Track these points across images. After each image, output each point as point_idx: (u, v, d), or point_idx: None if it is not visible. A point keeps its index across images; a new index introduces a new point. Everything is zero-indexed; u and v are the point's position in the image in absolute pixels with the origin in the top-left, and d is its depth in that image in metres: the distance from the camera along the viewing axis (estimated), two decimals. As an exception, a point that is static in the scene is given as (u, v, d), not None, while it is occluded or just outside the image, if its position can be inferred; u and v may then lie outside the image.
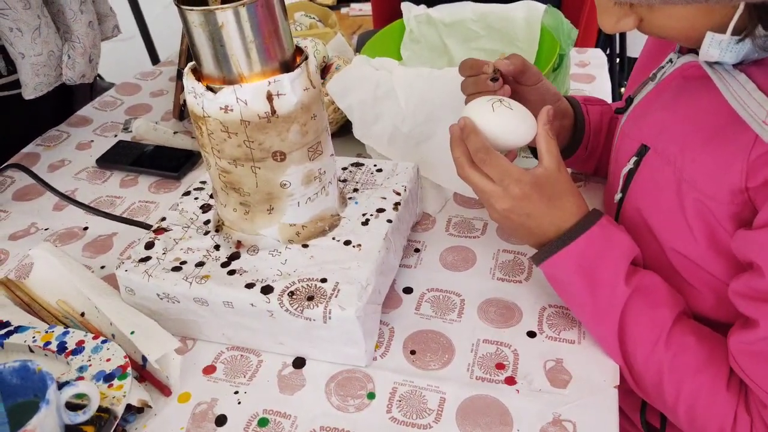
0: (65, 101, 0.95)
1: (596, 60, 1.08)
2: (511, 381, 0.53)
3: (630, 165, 0.56)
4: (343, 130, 0.87)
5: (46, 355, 0.53)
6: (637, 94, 0.59)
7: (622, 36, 1.53)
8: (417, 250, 0.68)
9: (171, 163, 0.85)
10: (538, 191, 0.53)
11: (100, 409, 0.47)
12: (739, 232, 0.47)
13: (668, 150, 0.52)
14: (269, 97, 0.50)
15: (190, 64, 0.54)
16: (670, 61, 0.54)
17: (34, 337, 0.54)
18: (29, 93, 0.87)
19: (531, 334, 0.57)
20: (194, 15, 0.47)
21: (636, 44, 1.55)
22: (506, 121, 0.54)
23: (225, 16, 0.47)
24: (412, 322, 0.60)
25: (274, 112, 0.51)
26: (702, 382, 0.49)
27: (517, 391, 0.52)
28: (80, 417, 0.46)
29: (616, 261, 0.53)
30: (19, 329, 0.55)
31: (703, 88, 0.49)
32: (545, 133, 0.54)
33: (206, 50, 0.49)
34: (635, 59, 1.55)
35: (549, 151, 0.54)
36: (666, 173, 0.52)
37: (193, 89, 0.51)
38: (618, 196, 0.58)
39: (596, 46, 1.27)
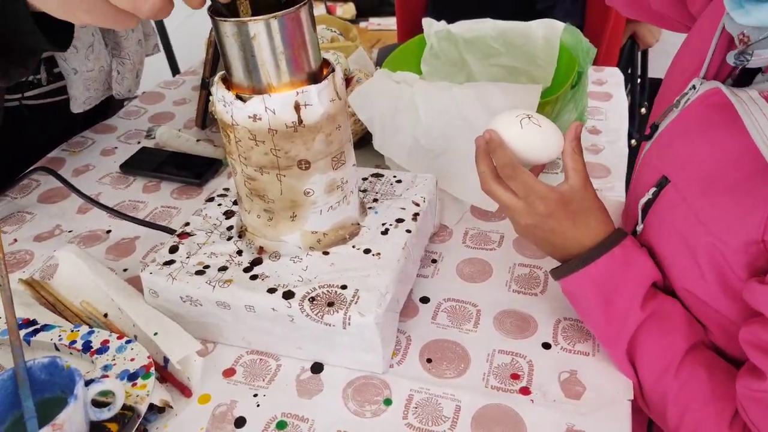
0: (96, 110, 0.98)
1: (613, 78, 1.09)
2: (525, 391, 0.54)
3: (648, 195, 0.55)
4: (362, 141, 0.88)
5: (71, 353, 0.55)
6: (661, 122, 0.58)
7: (644, 56, 1.53)
8: (434, 261, 0.69)
9: (193, 170, 0.87)
10: (563, 208, 0.53)
11: (124, 407, 0.48)
12: (751, 283, 0.46)
13: (688, 188, 0.51)
14: (297, 107, 0.52)
15: (220, 73, 0.55)
16: (693, 87, 0.53)
17: (60, 336, 0.55)
18: (78, 107, 0.90)
19: (546, 346, 0.58)
20: (227, 26, 0.49)
21: (658, 66, 1.55)
22: (534, 138, 0.54)
23: (257, 27, 0.48)
24: (429, 331, 0.60)
25: (301, 121, 0.52)
26: (705, 416, 0.49)
27: (532, 401, 0.53)
28: (105, 414, 0.47)
29: (634, 285, 0.52)
30: (45, 327, 0.56)
31: (729, 123, 0.47)
32: (572, 150, 0.54)
33: (237, 60, 0.51)
34: (657, 80, 1.55)
35: (575, 168, 0.54)
36: (680, 210, 0.51)
37: (223, 98, 0.53)
38: (640, 227, 0.57)
39: (618, 66, 1.28)
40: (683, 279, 0.52)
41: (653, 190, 0.55)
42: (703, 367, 0.50)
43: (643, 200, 0.56)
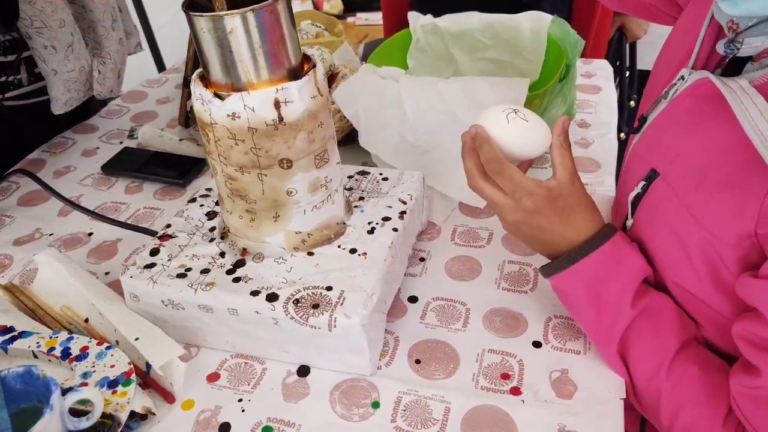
0: (80, 110, 0.96)
1: (602, 71, 1.08)
2: (516, 391, 0.53)
3: (638, 189, 0.54)
4: (348, 138, 0.87)
5: (50, 360, 0.53)
6: (650, 113, 0.57)
7: (633, 48, 1.53)
8: (422, 259, 0.68)
9: (176, 170, 0.85)
10: (550, 205, 0.52)
11: (104, 416, 0.47)
12: (744, 277, 0.45)
13: (679, 181, 0.50)
14: (277, 105, 0.50)
15: (198, 71, 0.54)
16: (682, 77, 0.52)
17: (38, 343, 0.54)
18: (59, 108, 0.88)
19: (536, 344, 0.57)
20: (203, 21, 0.47)
21: (647, 58, 1.54)
22: (520, 133, 0.53)
23: (233, 21, 0.47)
24: (417, 331, 0.59)
25: (281, 119, 0.51)
26: (699, 415, 0.48)
27: (523, 401, 0.52)
28: (84, 423, 0.46)
29: (624, 281, 0.51)
30: (23, 334, 0.55)
31: (719, 114, 0.46)
32: (559, 144, 0.53)
33: (214, 57, 0.49)
34: (645, 72, 1.53)
35: (562, 163, 0.53)
36: (671, 204, 0.50)
37: (201, 96, 0.51)
38: (630, 221, 0.56)
39: (606, 58, 1.27)
40: (674, 274, 0.51)
41: (642, 183, 0.54)
42: (695, 365, 0.49)
43: (633, 194, 0.55)
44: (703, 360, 0.50)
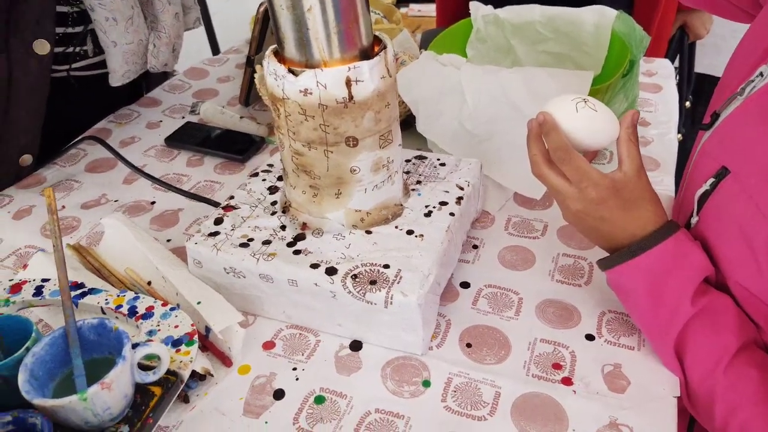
0: (139, 83, 0.99)
1: (664, 70, 1.06)
2: (567, 381, 0.53)
3: (706, 186, 0.53)
4: (404, 124, 0.87)
5: (117, 317, 0.56)
6: (723, 110, 0.56)
7: (691, 49, 1.49)
8: (475, 247, 0.69)
9: (236, 147, 0.87)
10: (615, 196, 0.52)
11: (168, 372, 0.49)
12: None
13: (751, 179, 0.49)
14: (348, 83, 0.51)
15: (272, 47, 0.55)
16: (761, 74, 0.51)
17: (106, 300, 0.56)
18: (117, 80, 0.91)
19: (589, 338, 0.57)
20: (283, -2, 0.49)
21: (704, 59, 1.50)
22: (589, 123, 0.53)
23: (312, 0, 0.48)
24: (469, 316, 0.60)
25: (351, 97, 0.52)
26: (756, 416, 0.47)
27: (574, 391, 0.52)
28: (150, 377, 0.48)
29: (685, 278, 0.51)
30: (92, 291, 0.58)
31: None
32: (627, 137, 0.52)
33: (291, 34, 0.51)
34: (702, 75, 1.48)
35: (630, 156, 0.52)
36: (740, 202, 0.49)
37: (275, 71, 0.53)
38: (695, 219, 0.55)
39: (665, 57, 1.24)
40: (738, 274, 0.50)
41: (711, 181, 0.53)
42: (754, 367, 0.48)
43: (700, 191, 0.54)
44: (762, 363, 0.49)
